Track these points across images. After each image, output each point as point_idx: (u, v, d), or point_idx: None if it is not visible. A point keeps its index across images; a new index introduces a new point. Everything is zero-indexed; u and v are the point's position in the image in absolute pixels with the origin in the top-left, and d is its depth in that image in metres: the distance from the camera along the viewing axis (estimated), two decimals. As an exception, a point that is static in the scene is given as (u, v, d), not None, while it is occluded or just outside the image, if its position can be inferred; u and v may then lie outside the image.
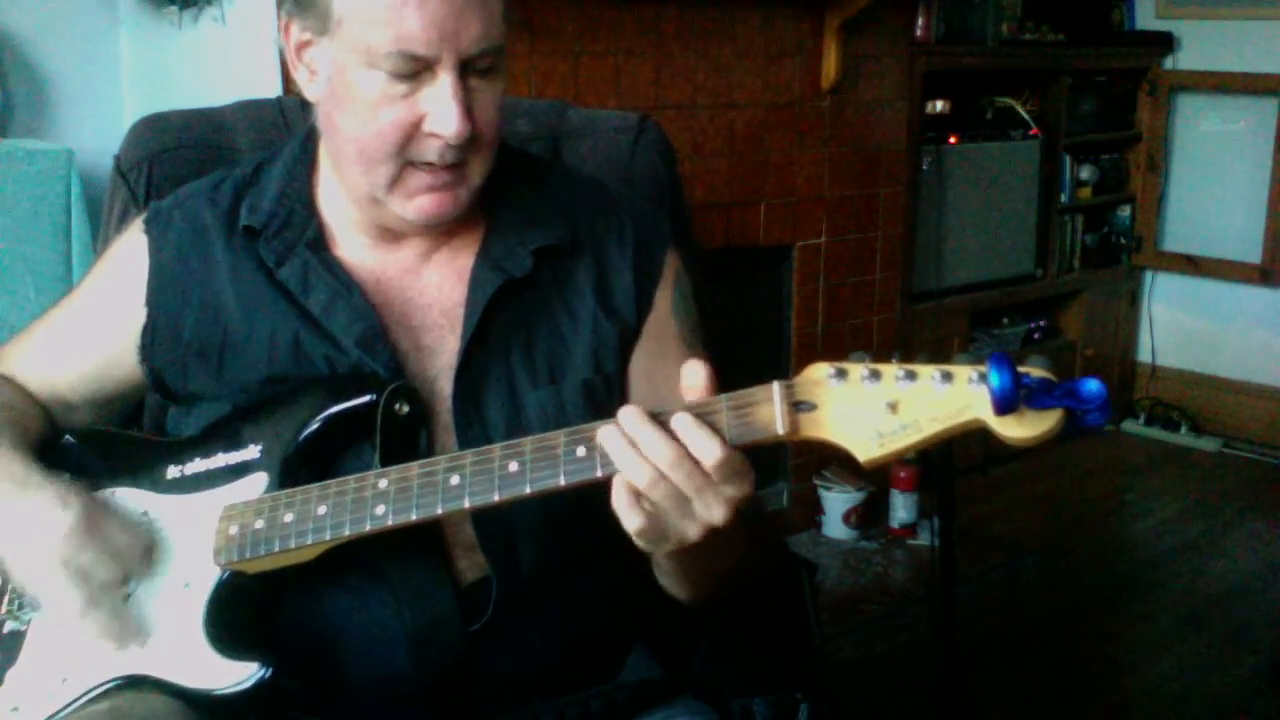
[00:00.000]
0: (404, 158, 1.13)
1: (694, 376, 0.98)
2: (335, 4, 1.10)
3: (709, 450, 0.95)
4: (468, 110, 1.11)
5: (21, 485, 1.13)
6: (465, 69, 1.11)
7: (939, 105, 3.74)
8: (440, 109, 1.10)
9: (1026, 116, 4.04)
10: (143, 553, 1.14)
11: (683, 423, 0.96)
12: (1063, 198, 4.24)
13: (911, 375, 0.92)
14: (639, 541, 1.00)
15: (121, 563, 1.11)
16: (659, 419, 0.97)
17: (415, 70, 1.09)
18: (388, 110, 1.11)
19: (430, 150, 1.12)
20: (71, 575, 1.08)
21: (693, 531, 0.99)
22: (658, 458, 0.96)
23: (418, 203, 1.16)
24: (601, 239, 1.26)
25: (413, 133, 1.12)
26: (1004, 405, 0.87)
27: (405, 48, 1.08)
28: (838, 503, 3.43)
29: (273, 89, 2.28)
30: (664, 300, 1.27)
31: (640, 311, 1.25)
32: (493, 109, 1.15)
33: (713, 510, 0.98)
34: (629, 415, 0.98)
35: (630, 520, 0.98)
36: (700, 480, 0.96)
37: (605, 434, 0.98)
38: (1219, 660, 2.87)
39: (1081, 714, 2.68)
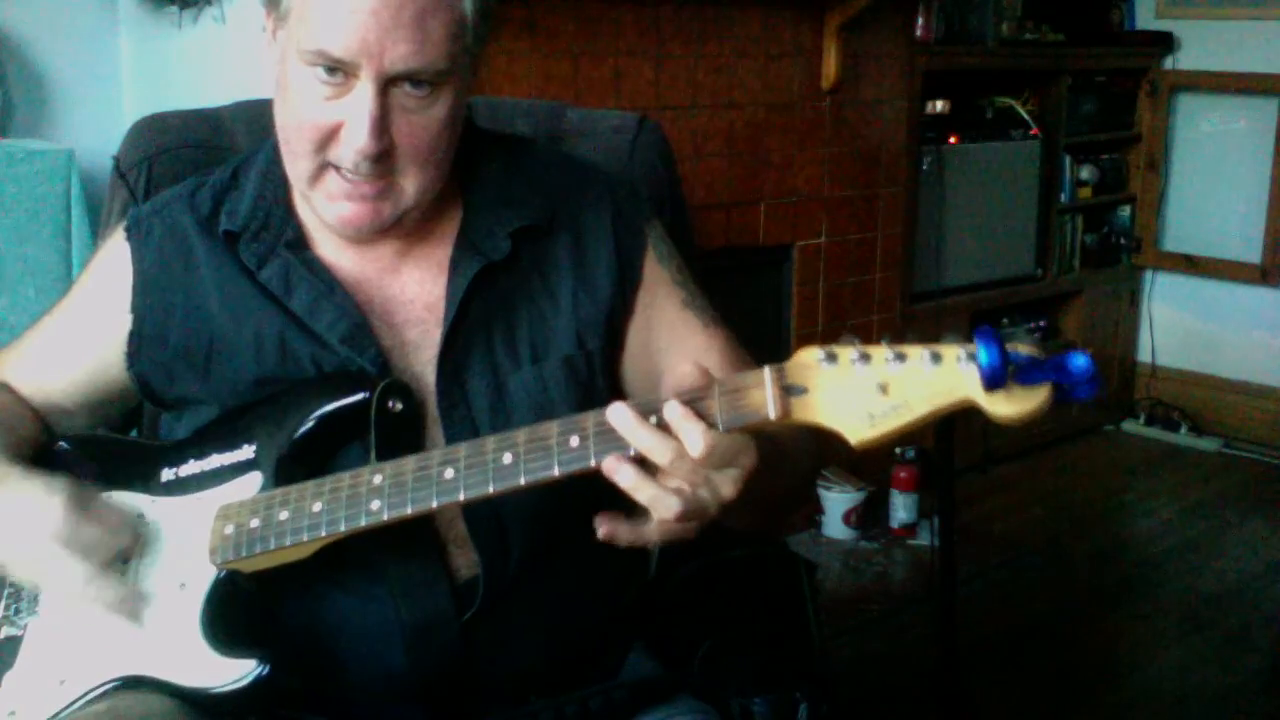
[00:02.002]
0: (322, 158, 1.14)
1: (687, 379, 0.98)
2: None
3: (693, 443, 0.95)
4: (382, 126, 1.10)
5: (1, 481, 1.13)
6: (393, 85, 1.10)
7: (939, 105, 3.74)
8: (354, 119, 1.10)
9: (1026, 116, 4.04)
10: (134, 528, 1.14)
11: (674, 413, 0.96)
12: (1063, 198, 4.23)
13: (901, 357, 0.92)
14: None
15: (117, 535, 1.11)
16: (652, 409, 0.97)
17: (339, 75, 1.10)
18: (312, 109, 1.12)
19: (344, 157, 1.12)
20: (74, 551, 1.08)
21: (710, 510, 0.99)
22: (659, 458, 0.96)
23: (337, 208, 1.16)
24: (579, 215, 1.26)
25: (330, 137, 1.12)
26: (992, 382, 0.87)
27: (326, 49, 1.08)
28: (838, 503, 3.43)
29: (273, 89, 2.28)
30: (654, 271, 1.27)
31: (624, 285, 1.25)
32: (425, 131, 1.13)
33: (722, 490, 0.98)
34: (620, 416, 0.97)
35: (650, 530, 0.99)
36: (703, 472, 0.97)
37: (611, 465, 0.97)
38: (1219, 660, 2.87)
39: (1081, 714, 2.68)
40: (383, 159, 1.12)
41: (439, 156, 1.17)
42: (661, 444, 0.96)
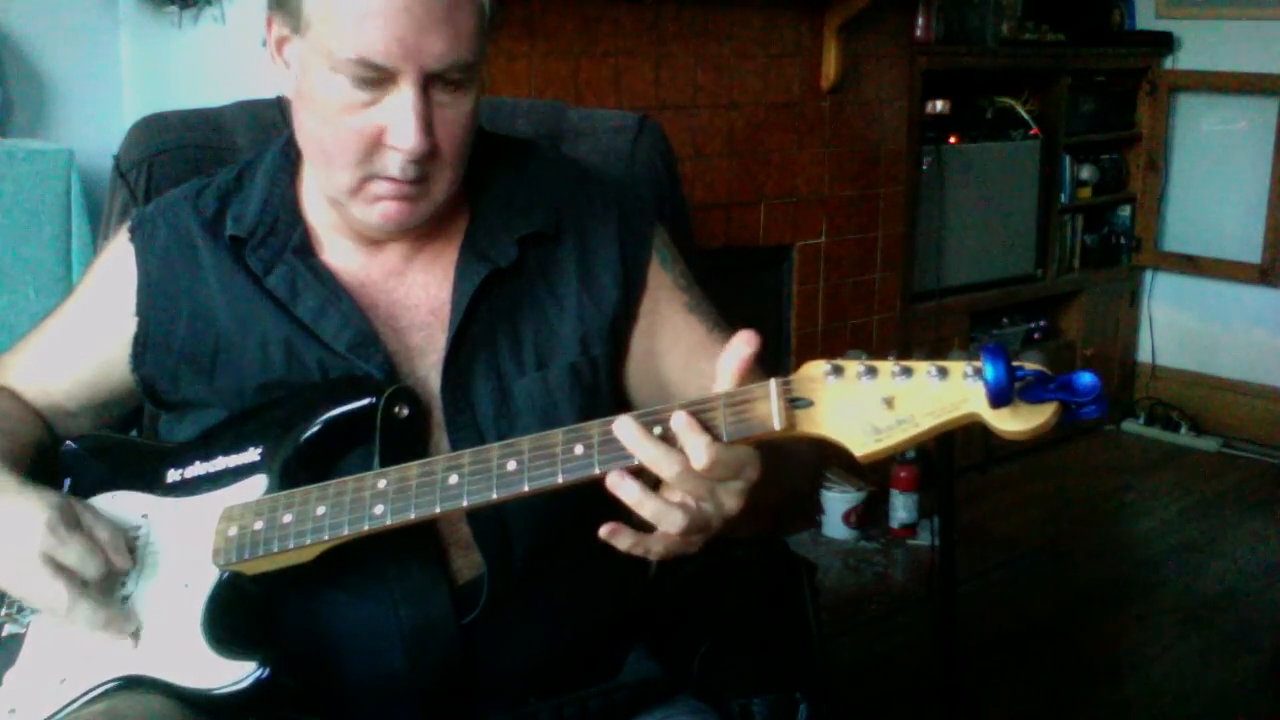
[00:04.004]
0: (365, 170, 1.13)
1: (735, 355, 0.97)
2: (305, 5, 1.10)
3: (697, 455, 0.95)
4: (428, 125, 1.10)
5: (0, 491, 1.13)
6: (430, 83, 1.10)
7: (939, 105, 3.73)
8: (399, 122, 1.09)
9: (1026, 116, 4.04)
10: (126, 547, 1.13)
11: (680, 423, 0.96)
12: (1063, 198, 4.24)
13: (907, 371, 0.92)
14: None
15: (103, 557, 1.10)
16: (658, 420, 0.97)
17: (377, 80, 1.09)
18: (350, 118, 1.11)
19: (391, 164, 1.12)
20: (55, 571, 1.07)
21: (714, 524, 1.00)
22: (664, 472, 0.96)
23: (380, 208, 1.15)
24: (585, 222, 1.26)
25: (374, 144, 1.11)
26: (999, 399, 0.87)
27: (366, 56, 1.07)
28: (838, 503, 3.43)
29: (272, 89, 2.28)
30: (658, 277, 1.27)
31: (629, 292, 1.25)
32: (459, 126, 1.13)
33: (725, 504, 0.99)
34: (626, 430, 0.97)
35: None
36: (707, 485, 0.97)
37: (614, 481, 0.97)
38: (1219, 660, 2.87)
39: (1081, 714, 2.68)
40: (425, 159, 1.12)
41: (465, 152, 1.17)
42: (666, 457, 0.96)
